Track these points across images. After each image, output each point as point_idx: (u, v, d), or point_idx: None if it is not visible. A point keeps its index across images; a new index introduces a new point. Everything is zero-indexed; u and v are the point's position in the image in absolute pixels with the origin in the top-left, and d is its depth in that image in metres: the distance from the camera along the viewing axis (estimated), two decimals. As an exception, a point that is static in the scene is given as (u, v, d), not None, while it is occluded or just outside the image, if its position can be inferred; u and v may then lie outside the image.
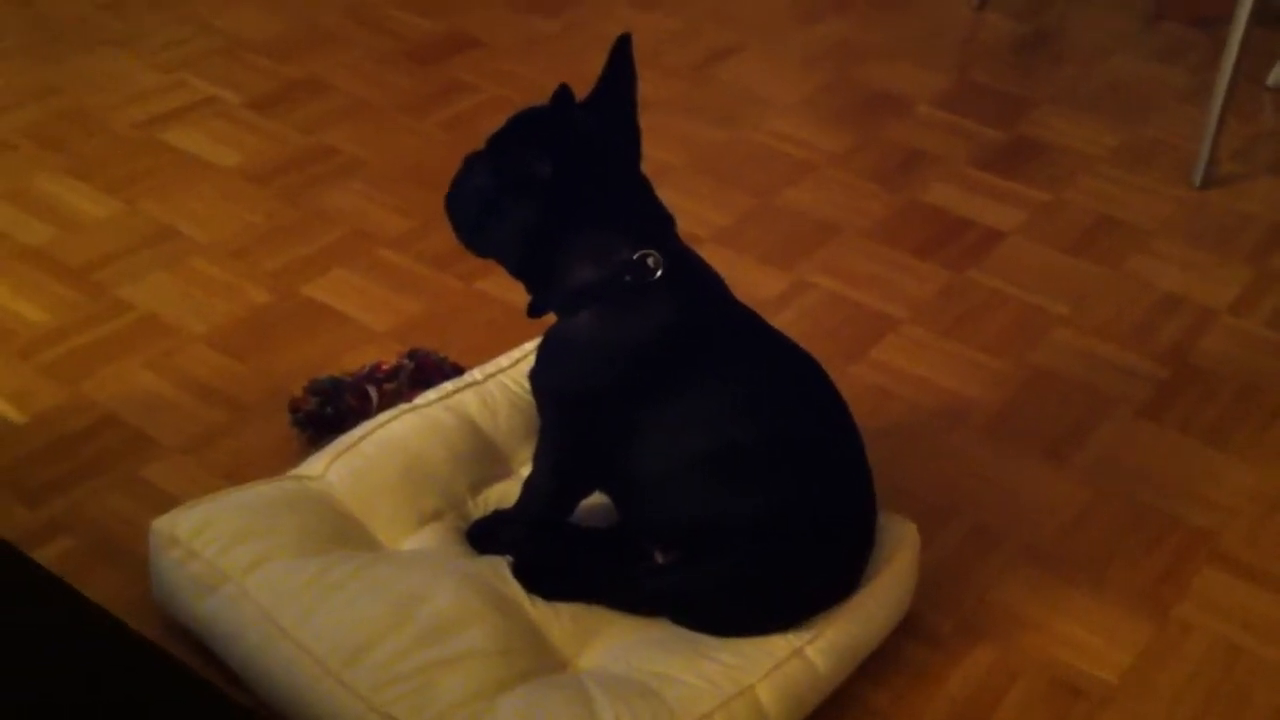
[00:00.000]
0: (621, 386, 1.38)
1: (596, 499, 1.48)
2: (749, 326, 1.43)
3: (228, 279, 2.04)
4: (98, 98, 2.49)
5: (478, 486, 1.58)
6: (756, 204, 2.30)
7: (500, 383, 1.69)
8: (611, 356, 1.38)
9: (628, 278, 1.38)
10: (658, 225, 1.43)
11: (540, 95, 2.56)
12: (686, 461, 1.36)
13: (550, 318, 1.46)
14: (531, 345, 1.75)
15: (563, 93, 1.37)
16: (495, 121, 2.46)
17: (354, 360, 1.87)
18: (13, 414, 1.77)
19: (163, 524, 1.45)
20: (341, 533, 1.48)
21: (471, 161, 1.46)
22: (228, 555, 1.41)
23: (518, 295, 1.97)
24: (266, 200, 2.23)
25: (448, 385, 1.69)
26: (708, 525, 1.36)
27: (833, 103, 2.62)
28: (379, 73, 2.64)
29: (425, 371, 1.76)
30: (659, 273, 1.38)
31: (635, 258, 1.38)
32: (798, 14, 2.95)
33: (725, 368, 1.38)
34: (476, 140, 2.41)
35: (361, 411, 1.70)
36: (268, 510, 1.47)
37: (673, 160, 2.39)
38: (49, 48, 2.65)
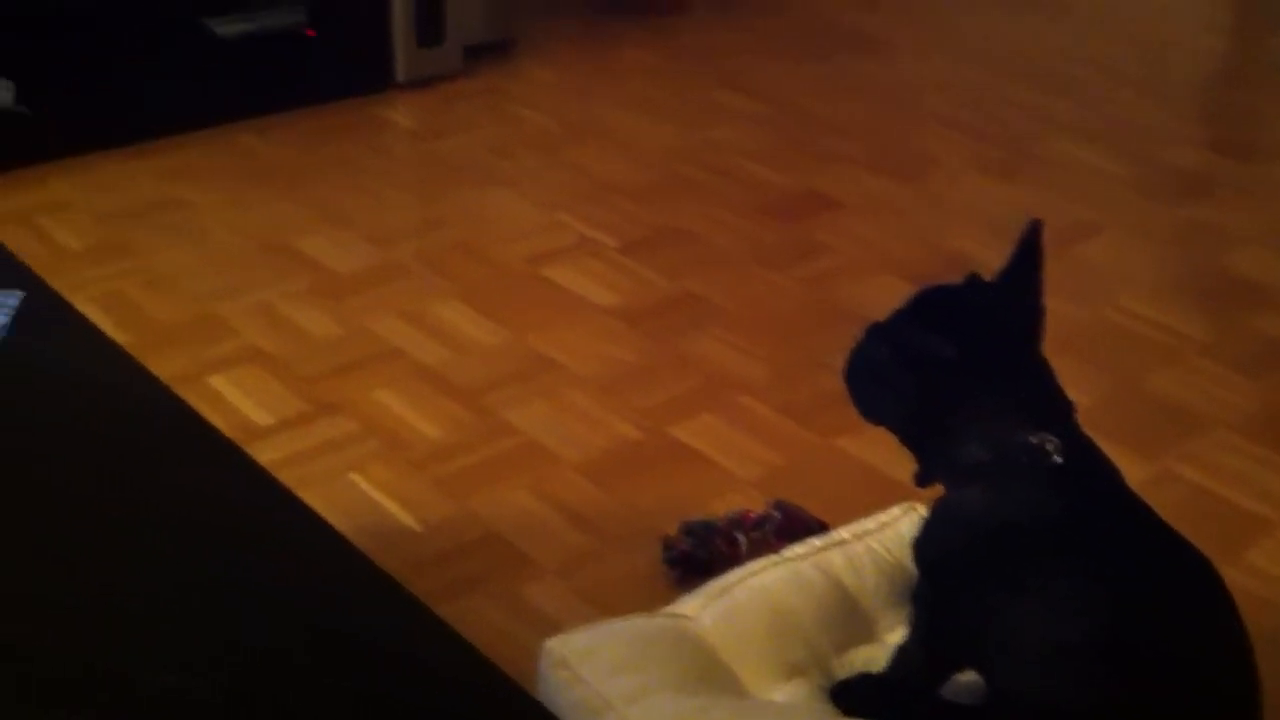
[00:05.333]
0: (1007, 568, 1.40)
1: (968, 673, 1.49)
2: (1145, 523, 1.43)
3: (600, 413, 2.17)
4: (485, 232, 2.71)
5: (842, 647, 1.61)
6: (1117, 386, 2.28)
7: (868, 545, 1.73)
8: (1000, 538, 1.40)
9: (1024, 460, 1.41)
10: (1057, 410, 1.45)
11: (894, 262, 2.65)
12: (1072, 651, 1.36)
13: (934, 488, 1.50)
14: (899, 510, 1.79)
15: (973, 280, 1.42)
16: (849, 282, 2.56)
17: (717, 504, 1.95)
18: (409, 521, 1.93)
19: (555, 645, 1.54)
20: (713, 675, 1.53)
21: (874, 332, 1.52)
22: (611, 683, 1.49)
23: (877, 457, 2.03)
24: (636, 340, 2.37)
25: (814, 541, 1.73)
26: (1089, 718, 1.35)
27: (1195, 287, 2.59)
28: (739, 225, 2.77)
29: (792, 524, 1.82)
30: (1056, 459, 1.40)
31: (1033, 442, 1.41)
32: (1157, 195, 2.94)
33: (1119, 564, 1.38)
34: (833, 298, 2.52)
35: (730, 556, 1.77)
36: (648, 643, 1.54)
37: (1029, 334, 2.40)
38: (443, 183, 2.90)
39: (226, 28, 3.12)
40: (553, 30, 3.62)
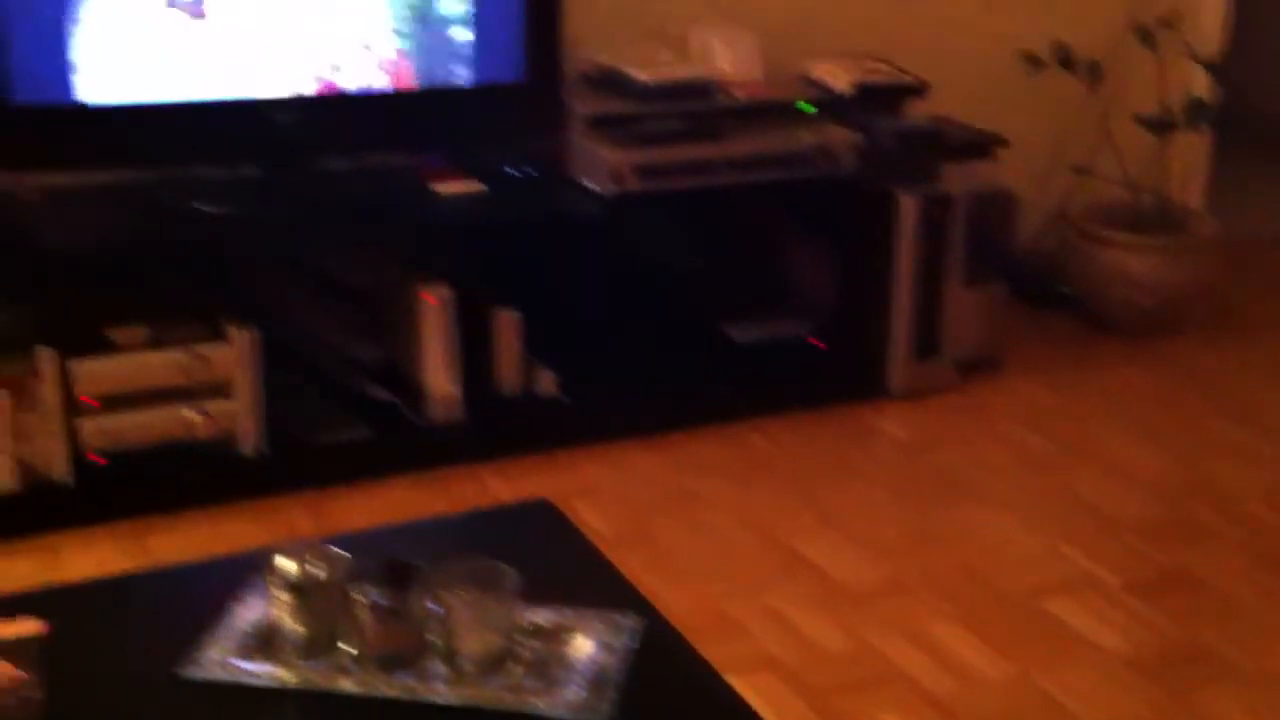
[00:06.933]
0: None
1: None
2: None
3: (1114, 768, 2.13)
4: (982, 554, 2.74)
5: None
6: None
7: None
8: None
9: None
10: None
11: None
12: None
13: None
14: None
15: None
16: None
17: None
18: None
19: None
20: None
21: None
22: None
23: None
24: (1148, 691, 2.31)
25: None
26: None
27: None
28: (1252, 574, 2.67)
29: None
30: None
31: None
32: None
33: None
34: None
35: None
36: None
37: None
38: (937, 498, 2.97)
39: (743, 334, 3.40)
40: (1042, 348, 3.68)
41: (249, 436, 2.86)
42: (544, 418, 3.11)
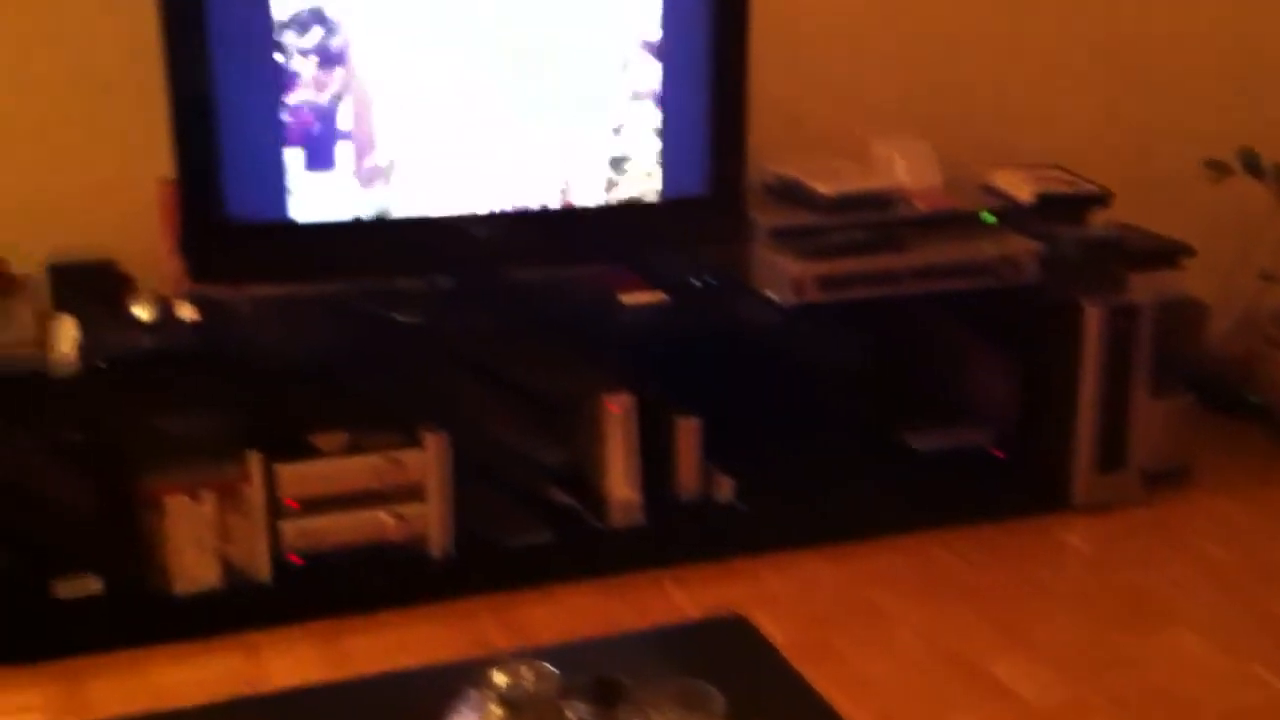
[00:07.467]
0: None
1: None
2: None
3: None
4: (1172, 675, 2.66)
5: None
6: None
7: None
8: None
9: None
10: None
11: None
12: None
13: None
14: None
15: None
16: None
17: None
18: None
19: None
20: None
21: None
22: None
23: None
24: (1361, 831, 2.21)
25: None
26: None
27: None
28: None
29: None
30: None
31: None
32: None
33: None
34: None
35: None
36: None
37: None
38: (1124, 616, 2.90)
39: (922, 442, 3.38)
40: (1231, 459, 3.58)
41: (438, 539, 2.95)
42: (722, 524, 3.14)
